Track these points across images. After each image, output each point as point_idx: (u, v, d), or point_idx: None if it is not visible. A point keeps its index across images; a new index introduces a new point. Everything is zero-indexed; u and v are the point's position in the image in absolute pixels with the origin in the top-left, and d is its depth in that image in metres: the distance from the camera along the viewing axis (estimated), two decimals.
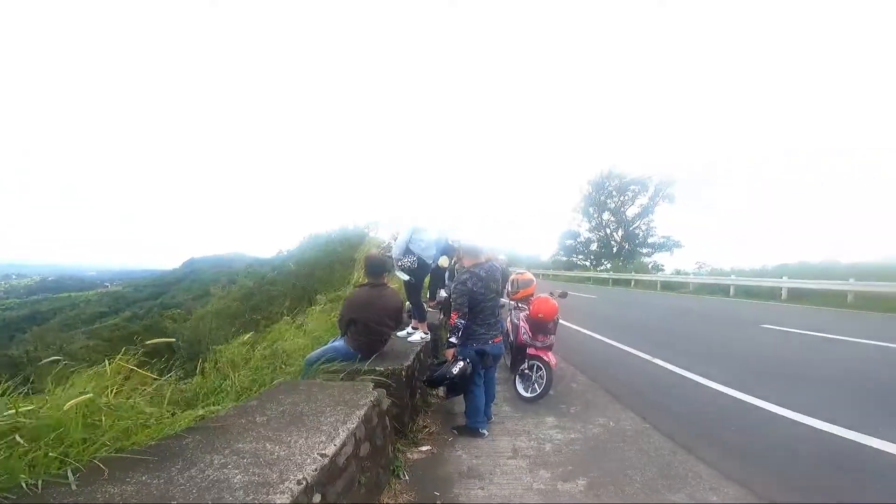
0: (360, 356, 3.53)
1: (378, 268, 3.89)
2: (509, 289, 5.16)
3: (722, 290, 16.37)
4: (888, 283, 11.40)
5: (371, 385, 2.88)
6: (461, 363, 3.39)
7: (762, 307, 12.06)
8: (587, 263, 34.99)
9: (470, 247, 3.65)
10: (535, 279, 5.18)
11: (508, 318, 5.25)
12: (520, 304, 5.00)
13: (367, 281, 3.96)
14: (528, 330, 4.55)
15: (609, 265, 30.66)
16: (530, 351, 4.54)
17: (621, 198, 34.20)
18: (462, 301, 3.36)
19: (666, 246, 32.40)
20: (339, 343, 3.65)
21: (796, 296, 13.58)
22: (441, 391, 4.32)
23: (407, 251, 4.51)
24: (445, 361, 3.50)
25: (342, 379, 3.18)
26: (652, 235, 33.38)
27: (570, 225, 37.03)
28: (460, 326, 3.35)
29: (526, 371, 4.59)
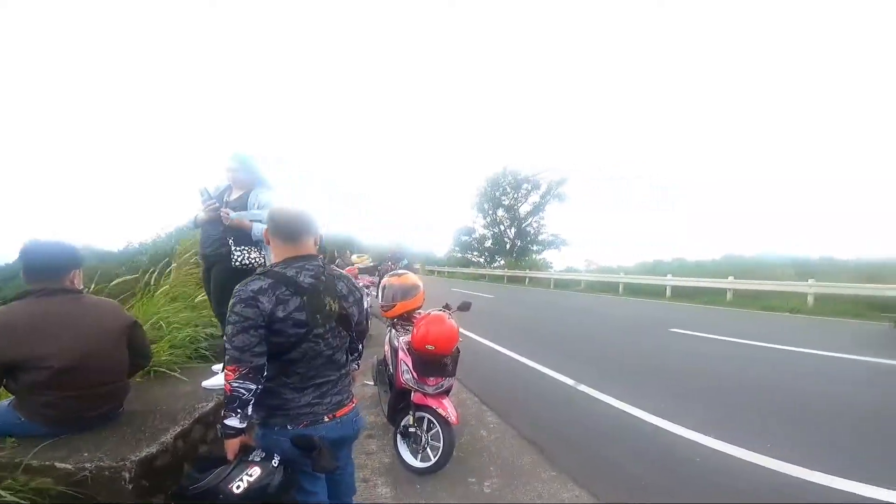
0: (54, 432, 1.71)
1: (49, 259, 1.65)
2: (381, 300, 3.17)
3: (611, 287, 16.44)
4: (763, 280, 11.94)
5: None
6: (257, 469, 1.28)
7: (654, 306, 11.84)
8: (482, 260, 34.70)
9: (279, 214, 1.46)
10: (420, 284, 3.19)
11: (387, 338, 3.25)
12: (400, 324, 3.07)
13: (33, 287, 1.68)
14: (411, 368, 2.62)
15: (503, 262, 30.53)
16: (416, 398, 2.63)
17: (515, 195, 34.47)
18: (243, 343, 1.26)
19: (554, 244, 33.38)
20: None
21: (679, 294, 13.89)
22: None
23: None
24: (219, 466, 1.34)
25: None
26: (542, 233, 34.20)
27: (465, 222, 36.48)
28: (243, 396, 1.26)
29: (412, 428, 2.67)
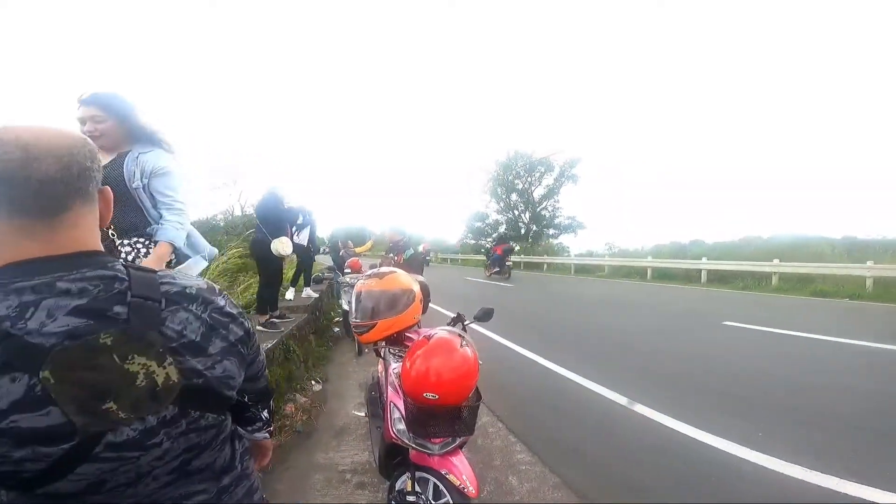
0: None
1: None
2: (354, 315, 2.01)
3: (638, 272, 15.32)
4: (813, 263, 10.75)
5: None
6: None
7: (693, 294, 10.74)
8: None
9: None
10: (415, 288, 2.02)
11: (379, 366, 2.26)
12: (387, 349, 2.04)
13: None
14: (403, 415, 1.69)
15: (518, 247, 29.49)
16: (415, 456, 1.74)
17: (529, 178, 33.17)
18: None
19: (571, 227, 32.13)
20: None
21: (715, 279, 12.74)
22: None
23: None
24: None
25: None
26: (558, 217, 32.94)
27: (477, 207, 35.29)
28: None
29: (410, 497, 1.75)
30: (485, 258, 18.54)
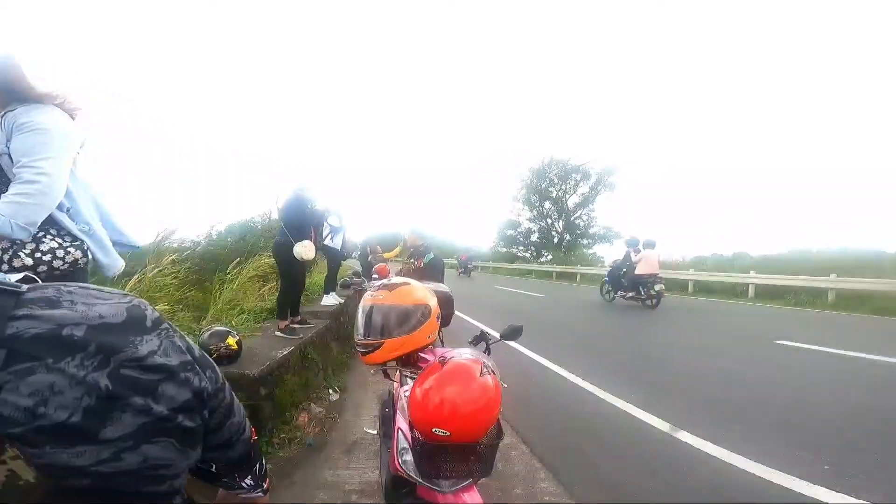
0: None
1: None
2: (358, 332, 1.69)
3: (679, 285, 14.54)
4: (870, 279, 9.82)
5: None
6: None
7: (741, 310, 10.02)
8: (528, 255, 33.06)
9: None
10: (431, 303, 1.74)
11: (396, 388, 2.06)
12: (402, 373, 1.81)
13: None
14: (411, 444, 1.43)
15: (550, 256, 28.83)
16: (422, 491, 1.49)
17: (563, 186, 32.53)
18: None
19: (606, 237, 31.20)
20: None
21: (763, 294, 11.89)
22: None
23: None
24: None
25: None
26: (593, 226, 32.11)
27: (510, 215, 34.89)
28: None
29: None
30: (458, 263, 23.19)
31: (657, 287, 9.29)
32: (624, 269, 10.22)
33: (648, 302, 9.49)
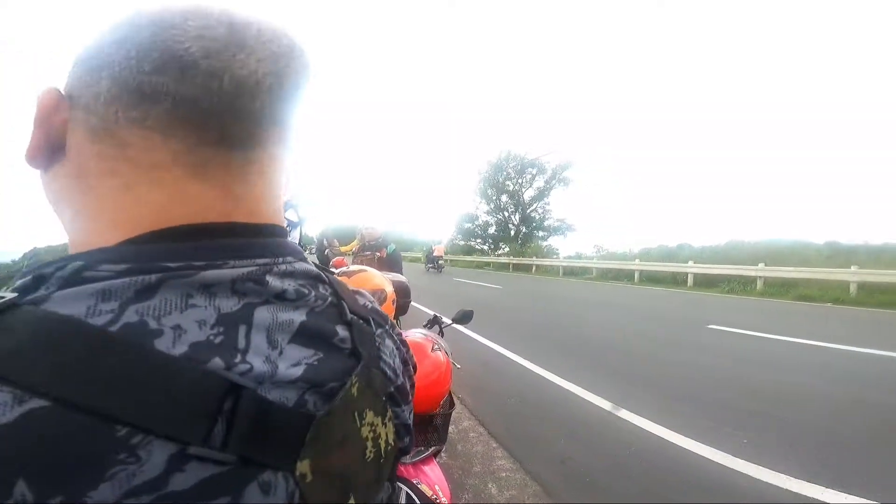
0: None
1: None
2: None
3: (626, 275, 15.36)
4: (796, 268, 10.83)
5: None
6: None
7: (679, 297, 10.76)
8: (485, 248, 33.61)
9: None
10: (387, 287, 1.75)
11: None
12: None
13: None
14: None
15: (507, 249, 29.46)
16: None
17: (519, 179, 33.23)
18: None
19: (560, 230, 32.22)
20: None
21: (701, 283, 12.80)
22: None
23: None
24: None
25: None
26: (548, 219, 33.04)
27: (467, 208, 35.31)
28: None
29: None
30: (425, 256, 21.62)
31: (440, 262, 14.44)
32: None
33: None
